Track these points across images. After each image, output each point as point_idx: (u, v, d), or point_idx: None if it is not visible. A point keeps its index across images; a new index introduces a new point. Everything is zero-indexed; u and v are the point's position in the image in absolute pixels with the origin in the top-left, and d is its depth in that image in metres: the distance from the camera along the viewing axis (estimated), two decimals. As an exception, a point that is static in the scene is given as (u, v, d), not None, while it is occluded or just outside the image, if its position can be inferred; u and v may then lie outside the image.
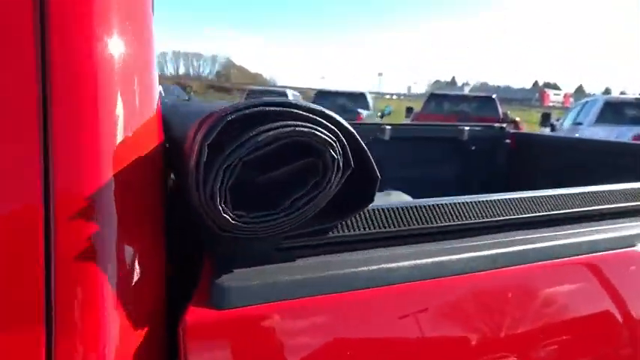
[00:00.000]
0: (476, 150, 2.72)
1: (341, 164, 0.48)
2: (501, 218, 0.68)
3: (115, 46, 0.47)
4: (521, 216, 0.70)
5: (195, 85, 36.52)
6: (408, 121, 10.24)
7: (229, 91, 34.49)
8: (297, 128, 0.44)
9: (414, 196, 2.58)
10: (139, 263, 0.48)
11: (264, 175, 0.48)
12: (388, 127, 2.55)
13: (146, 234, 0.51)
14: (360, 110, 9.70)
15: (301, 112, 0.45)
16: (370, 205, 0.56)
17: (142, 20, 0.54)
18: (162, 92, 14.73)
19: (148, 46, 0.54)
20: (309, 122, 0.45)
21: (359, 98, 11.41)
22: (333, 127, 0.47)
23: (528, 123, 14.77)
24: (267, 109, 0.43)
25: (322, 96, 11.68)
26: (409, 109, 11.64)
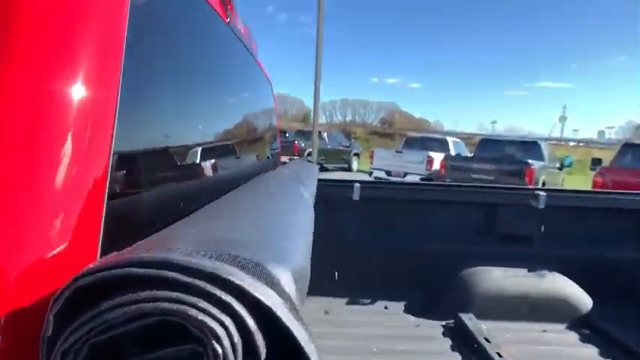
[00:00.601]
0: None
1: None
2: None
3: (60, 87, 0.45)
4: None
5: (360, 132, 38.59)
6: (592, 175, 8.70)
7: (392, 136, 35.27)
8: (163, 304, 0.31)
9: (579, 282, 2.11)
10: None
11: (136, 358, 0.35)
12: (543, 193, 2.18)
13: None
14: (530, 161, 8.68)
15: (180, 277, 0.32)
16: None
17: (107, 70, 0.52)
18: (327, 139, 15.82)
19: (107, 92, 0.51)
20: (191, 293, 0.32)
21: (531, 147, 10.27)
22: (229, 300, 0.32)
23: None
24: (132, 270, 0.32)
25: (486, 144, 10.91)
26: (596, 161, 9.91)
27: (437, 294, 2.37)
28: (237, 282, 0.33)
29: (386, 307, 2.39)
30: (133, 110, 0.69)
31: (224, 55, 1.16)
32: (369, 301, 2.45)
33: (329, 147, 16.12)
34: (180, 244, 0.41)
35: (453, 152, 11.61)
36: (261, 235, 0.53)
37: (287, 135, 16.84)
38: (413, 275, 2.44)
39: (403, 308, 2.39)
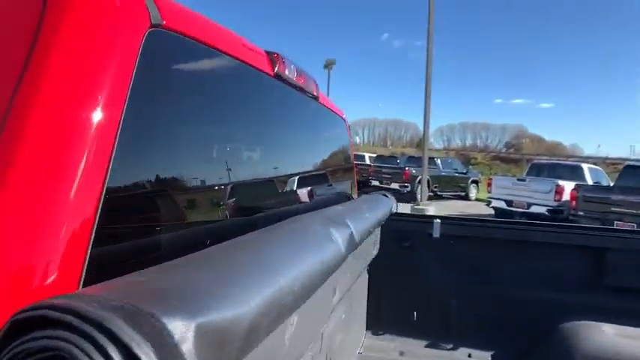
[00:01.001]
0: None
1: None
2: None
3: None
4: None
5: (480, 157, 36.17)
6: None
7: (518, 162, 32.27)
8: (60, 343, 0.39)
9: None
10: None
11: None
12: (667, 240, 1.80)
13: None
14: (692, 193, 7.09)
15: (75, 322, 0.39)
16: None
17: (108, 102, 0.63)
18: (440, 165, 15.08)
19: (108, 118, 0.63)
20: (80, 335, 0.39)
21: (696, 175, 8.39)
22: (105, 345, 0.38)
23: None
24: (46, 312, 0.40)
25: (632, 171, 9.24)
26: None
27: (529, 347, 2.09)
28: (114, 330, 0.39)
29: (470, 356, 2.18)
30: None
31: (270, 102, 1.26)
32: (450, 346, 2.26)
33: (443, 173, 15.39)
34: (117, 291, 0.48)
35: (589, 181, 10.13)
36: (212, 283, 0.56)
37: (398, 161, 16.58)
38: (502, 323, 2.19)
39: (489, 359, 2.15)
